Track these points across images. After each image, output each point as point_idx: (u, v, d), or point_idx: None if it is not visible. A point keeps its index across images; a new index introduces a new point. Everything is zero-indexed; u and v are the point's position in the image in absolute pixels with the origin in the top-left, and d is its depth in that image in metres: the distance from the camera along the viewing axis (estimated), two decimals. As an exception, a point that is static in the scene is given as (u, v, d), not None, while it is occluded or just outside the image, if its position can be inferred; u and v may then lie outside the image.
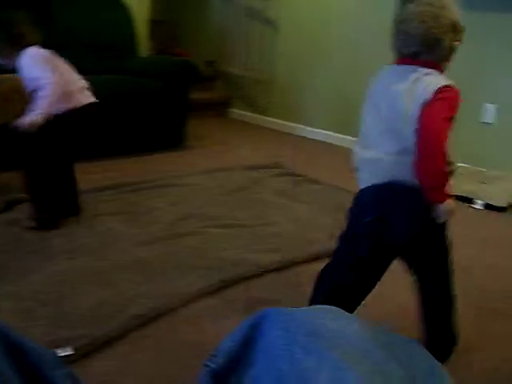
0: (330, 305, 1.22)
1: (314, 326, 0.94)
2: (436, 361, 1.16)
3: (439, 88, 1.45)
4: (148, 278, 2.12)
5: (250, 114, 5.43)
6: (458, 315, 1.74)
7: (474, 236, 2.93)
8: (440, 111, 1.44)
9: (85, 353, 1.66)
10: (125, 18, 4.31)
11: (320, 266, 2.36)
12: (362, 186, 1.70)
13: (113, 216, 2.70)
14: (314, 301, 1.71)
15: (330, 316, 1.01)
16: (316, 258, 2.44)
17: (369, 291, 1.69)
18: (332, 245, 2.51)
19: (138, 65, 4.19)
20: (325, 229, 2.76)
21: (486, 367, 1.79)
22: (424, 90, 1.46)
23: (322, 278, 1.77)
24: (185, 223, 2.68)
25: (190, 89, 4.12)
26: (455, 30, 1.52)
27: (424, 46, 1.51)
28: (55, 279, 2.05)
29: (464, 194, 3.42)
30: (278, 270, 2.31)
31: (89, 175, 3.10)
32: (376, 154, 1.59)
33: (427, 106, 1.44)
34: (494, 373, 1.77)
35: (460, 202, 3.39)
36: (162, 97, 3.92)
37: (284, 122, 5.12)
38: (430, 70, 1.51)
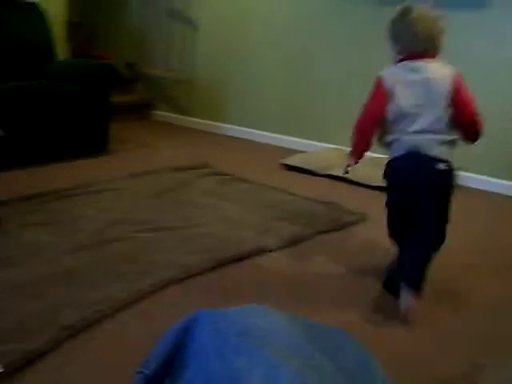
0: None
1: (245, 326, 0.95)
2: (366, 350, 1.19)
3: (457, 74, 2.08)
4: (77, 287, 2.08)
5: (173, 115, 5.39)
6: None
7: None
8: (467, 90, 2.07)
9: (16, 368, 1.61)
10: (40, 20, 4.20)
11: (251, 263, 2.40)
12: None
13: (38, 226, 2.63)
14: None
15: (260, 314, 1.03)
16: (247, 256, 2.47)
17: None
18: (261, 242, 2.56)
19: (56, 68, 4.08)
20: (254, 227, 2.78)
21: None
22: (451, 75, 2.06)
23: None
24: (113, 229, 2.65)
25: (111, 92, 4.06)
26: (442, 31, 2.10)
27: (432, 44, 2.09)
28: (-21, 295, 1.99)
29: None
30: (209, 270, 2.32)
31: (11, 185, 3.01)
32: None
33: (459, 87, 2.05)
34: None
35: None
36: (83, 101, 3.84)
37: (208, 122, 5.12)
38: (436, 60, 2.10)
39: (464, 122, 2.05)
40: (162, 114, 5.49)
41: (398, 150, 2.08)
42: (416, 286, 2.00)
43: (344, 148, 4.18)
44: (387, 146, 2.13)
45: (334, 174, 3.74)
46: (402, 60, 2.12)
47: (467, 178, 3.72)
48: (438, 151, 2.02)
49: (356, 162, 2.20)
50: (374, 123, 2.12)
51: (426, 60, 2.08)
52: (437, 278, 2.23)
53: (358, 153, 2.19)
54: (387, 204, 2.18)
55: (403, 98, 2.05)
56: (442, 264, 2.29)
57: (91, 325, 1.87)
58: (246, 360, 0.87)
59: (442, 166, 2.02)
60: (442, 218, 2.07)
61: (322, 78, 4.38)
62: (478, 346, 1.92)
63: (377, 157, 3.66)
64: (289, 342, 0.94)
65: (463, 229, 2.94)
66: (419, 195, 2.05)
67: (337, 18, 4.24)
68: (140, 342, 1.80)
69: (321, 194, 3.37)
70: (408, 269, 2.06)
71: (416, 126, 2.04)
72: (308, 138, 4.51)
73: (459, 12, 3.66)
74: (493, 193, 3.76)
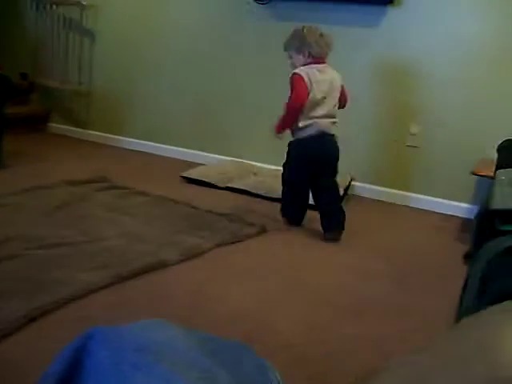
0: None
1: (142, 341, 0.95)
2: (263, 360, 1.21)
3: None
4: (-33, 308, 1.99)
5: (70, 127, 5.26)
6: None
7: (298, 235, 3.09)
8: None
9: None
10: None
11: (151, 277, 2.38)
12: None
13: None
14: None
15: (156, 329, 1.02)
16: (146, 270, 2.44)
17: None
18: (161, 256, 2.55)
19: None
20: (154, 241, 2.76)
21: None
22: (339, 76, 3.06)
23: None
24: (4, 247, 2.54)
25: (4, 103, 3.92)
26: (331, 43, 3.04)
27: (329, 51, 3.03)
28: None
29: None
30: (108, 286, 2.28)
31: None
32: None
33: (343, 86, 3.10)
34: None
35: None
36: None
37: (106, 135, 5.04)
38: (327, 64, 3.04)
39: (344, 104, 3.16)
40: (58, 126, 5.34)
41: (311, 131, 2.99)
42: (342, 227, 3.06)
43: (243, 161, 4.24)
44: (300, 129, 3.01)
45: (235, 186, 3.78)
46: (307, 64, 2.99)
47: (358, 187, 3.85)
48: (333, 130, 3.05)
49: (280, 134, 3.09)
50: (302, 106, 2.94)
51: (324, 64, 3.03)
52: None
53: (286, 127, 3.06)
54: (289, 178, 3.16)
55: (317, 91, 2.95)
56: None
57: (-18, 347, 1.79)
58: (144, 375, 0.87)
59: (335, 140, 3.07)
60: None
61: (222, 90, 4.42)
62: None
63: (275, 169, 3.74)
64: (185, 356, 0.94)
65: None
66: (326, 163, 3.08)
67: (240, 31, 4.30)
68: (38, 362, 1.74)
69: (221, 206, 3.39)
70: (333, 222, 3.07)
71: (322, 112, 2.98)
72: (209, 151, 4.52)
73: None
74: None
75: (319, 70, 2.97)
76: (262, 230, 3.09)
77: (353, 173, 3.91)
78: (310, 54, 2.98)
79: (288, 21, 4.04)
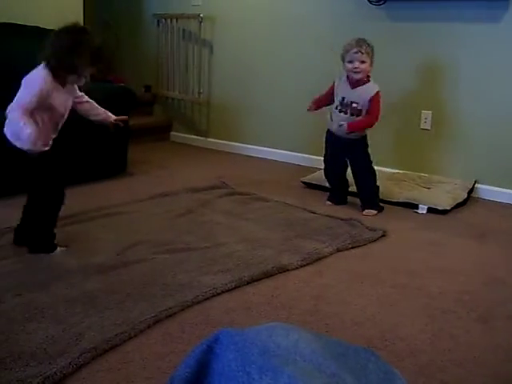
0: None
1: (267, 345, 0.95)
2: (391, 367, 1.18)
3: None
4: (98, 310, 2.08)
5: (190, 136, 5.42)
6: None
7: (420, 240, 3.00)
8: None
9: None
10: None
11: (271, 284, 2.39)
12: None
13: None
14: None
15: (281, 333, 1.02)
16: (267, 275, 2.46)
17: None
18: (281, 261, 2.55)
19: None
20: (274, 246, 2.77)
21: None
22: None
23: None
24: (132, 251, 2.65)
25: (129, 115, 4.09)
26: None
27: None
28: (2, 318, 2.00)
29: (408, 200, 3.51)
30: (230, 290, 2.31)
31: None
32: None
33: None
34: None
35: (405, 209, 3.49)
36: (101, 124, 3.86)
37: (224, 142, 5.14)
38: None
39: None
40: (179, 135, 5.52)
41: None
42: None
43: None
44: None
45: (355, 190, 3.72)
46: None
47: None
48: None
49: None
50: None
51: None
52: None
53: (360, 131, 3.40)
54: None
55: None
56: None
57: (113, 347, 1.86)
58: (271, 378, 0.87)
59: None
60: None
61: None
62: (505, 362, 1.89)
63: (391, 172, 3.66)
64: (312, 360, 0.93)
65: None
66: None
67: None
68: (163, 363, 1.79)
69: (341, 211, 3.36)
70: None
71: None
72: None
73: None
74: None
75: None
76: (383, 235, 3.02)
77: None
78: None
79: (403, 21, 3.96)
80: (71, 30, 2.40)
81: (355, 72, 3.26)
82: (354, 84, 3.32)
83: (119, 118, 2.81)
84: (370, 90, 3.29)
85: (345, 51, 3.28)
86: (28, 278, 2.33)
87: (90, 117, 2.76)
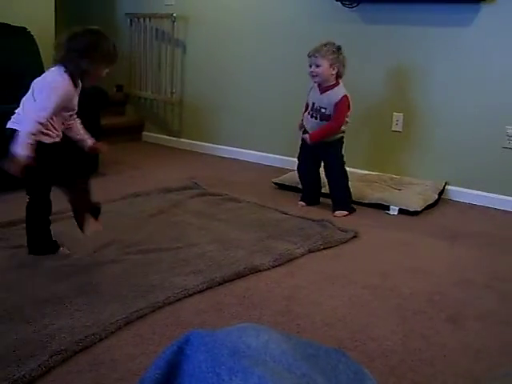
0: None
1: (237, 345, 0.95)
2: (361, 367, 1.19)
3: None
4: (69, 312, 2.06)
5: (163, 136, 5.39)
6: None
7: (392, 241, 3.03)
8: None
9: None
10: (31, 45, 4.20)
11: (242, 284, 2.39)
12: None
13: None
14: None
15: (252, 333, 1.02)
16: (239, 276, 2.46)
17: None
18: (253, 262, 2.56)
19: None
20: (246, 247, 2.77)
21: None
22: None
23: None
24: (105, 252, 2.63)
25: (101, 114, 4.06)
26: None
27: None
28: (-30, 321, 1.97)
29: (380, 202, 3.54)
30: (201, 291, 2.31)
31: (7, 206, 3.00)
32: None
33: None
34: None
35: (376, 210, 3.51)
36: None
37: (197, 142, 5.12)
38: None
39: None
40: (152, 135, 5.49)
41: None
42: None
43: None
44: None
45: (326, 191, 3.74)
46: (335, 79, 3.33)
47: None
48: None
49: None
50: None
51: None
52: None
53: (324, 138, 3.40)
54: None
55: None
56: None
57: (84, 349, 1.85)
58: (240, 379, 0.87)
59: None
60: None
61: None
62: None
63: (363, 173, 3.69)
64: (282, 361, 0.93)
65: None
66: None
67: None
68: (134, 365, 1.78)
69: (313, 212, 3.37)
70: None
71: None
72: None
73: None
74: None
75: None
76: (355, 236, 3.04)
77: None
78: (338, 72, 3.30)
79: (376, 24, 3.99)
80: (86, 33, 2.41)
81: (312, 76, 3.32)
82: (323, 89, 3.35)
83: (98, 145, 2.73)
84: (336, 94, 3.31)
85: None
86: (-3, 279, 2.30)
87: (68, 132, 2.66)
